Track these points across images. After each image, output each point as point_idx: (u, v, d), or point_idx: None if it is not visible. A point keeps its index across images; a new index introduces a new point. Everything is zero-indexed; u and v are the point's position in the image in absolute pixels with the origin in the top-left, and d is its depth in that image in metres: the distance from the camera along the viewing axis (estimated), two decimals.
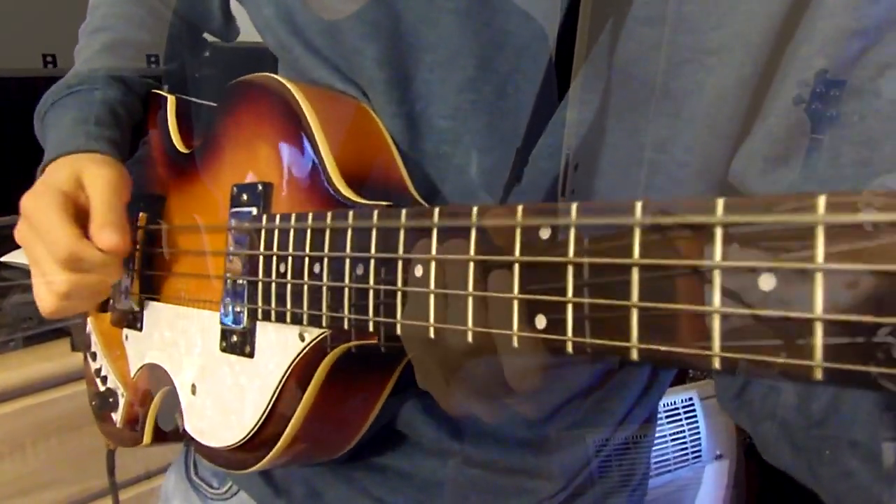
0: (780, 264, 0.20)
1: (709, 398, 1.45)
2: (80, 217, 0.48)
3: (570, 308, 0.26)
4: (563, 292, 0.26)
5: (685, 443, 1.42)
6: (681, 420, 1.42)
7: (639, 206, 0.24)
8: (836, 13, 0.34)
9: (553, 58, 0.40)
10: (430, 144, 0.44)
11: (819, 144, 0.36)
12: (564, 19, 0.39)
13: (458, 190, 0.44)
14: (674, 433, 1.40)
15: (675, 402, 1.41)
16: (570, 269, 0.26)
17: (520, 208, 0.28)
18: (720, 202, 0.22)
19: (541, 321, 0.27)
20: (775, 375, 0.20)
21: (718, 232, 0.22)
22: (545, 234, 0.27)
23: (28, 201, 0.48)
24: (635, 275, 0.24)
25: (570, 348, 0.26)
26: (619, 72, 0.40)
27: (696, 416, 1.43)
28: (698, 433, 1.43)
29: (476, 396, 0.44)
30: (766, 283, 0.21)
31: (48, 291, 0.47)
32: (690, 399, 1.43)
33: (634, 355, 0.24)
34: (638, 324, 0.24)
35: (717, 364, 0.22)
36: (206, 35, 0.71)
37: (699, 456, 1.43)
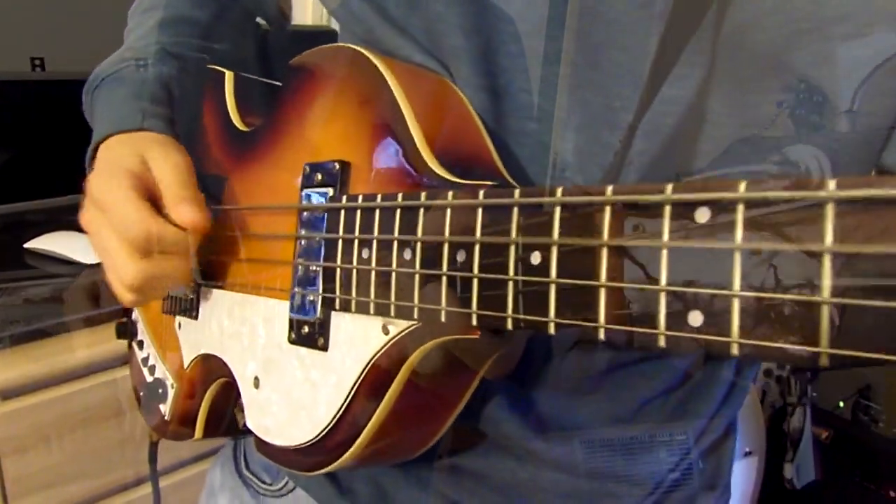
0: None
1: None
2: (150, 199, 0.44)
3: (735, 303, 0.22)
4: (728, 284, 0.23)
5: None
6: None
7: (832, 183, 0.21)
8: None
9: (664, 30, 0.37)
10: (516, 122, 0.41)
11: None
12: None
13: (545, 170, 0.40)
14: None
15: None
16: (738, 257, 0.22)
17: (669, 187, 0.24)
18: None
19: (696, 318, 0.23)
20: None
21: None
22: (703, 216, 0.23)
23: (95, 182, 0.45)
24: (827, 262, 0.21)
25: (735, 350, 0.23)
26: (727, 44, 0.36)
27: None
28: None
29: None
30: None
31: (123, 283, 0.43)
32: None
33: (825, 361, 0.21)
34: (830, 323, 0.21)
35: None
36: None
37: None
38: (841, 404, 1.54)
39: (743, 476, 1.44)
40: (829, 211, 0.21)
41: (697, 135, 0.38)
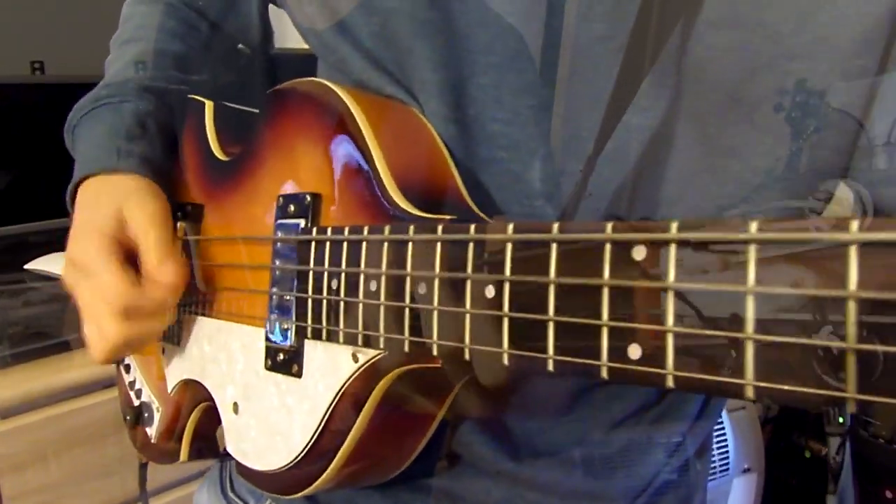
0: None
1: (736, 410, 1.42)
2: (128, 257, 0.47)
3: (670, 338, 0.24)
4: (662, 320, 0.24)
5: (713, 456, 1.38)
6: None
7: (754, 225, 0.22)
8: None
9: (621, 62, 0.38)
10: (485, 151, 0.42)
11: None
12: (635, 24, 0.37)
13: (515, 199, 0.42)
14: None
15: None
16: (671, 296, 0.24)
17: (609, 226, 0.25)
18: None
19: (635, 351, 0.25)
20: None
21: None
22: (639, 254, 0.25)
23: (75, 246, 0.47)
24: (750, 302, 0.22)
25: (670, 382, 0.24)
26: (688, 77, 0.38)
27: (724, 429, 1.39)
28: (726, 446, 1.39)
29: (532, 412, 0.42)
30: None
31: (103, 343, 0.46)
32: None
33: (750, 393, 0.22)
34: (754, 359, 0.22)
35: None
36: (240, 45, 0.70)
37: (727, 469, 1.40)
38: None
39: (742, 493, 1.44)
40: (752, 253, 0.22)
41: (665, 163, 0.39)
